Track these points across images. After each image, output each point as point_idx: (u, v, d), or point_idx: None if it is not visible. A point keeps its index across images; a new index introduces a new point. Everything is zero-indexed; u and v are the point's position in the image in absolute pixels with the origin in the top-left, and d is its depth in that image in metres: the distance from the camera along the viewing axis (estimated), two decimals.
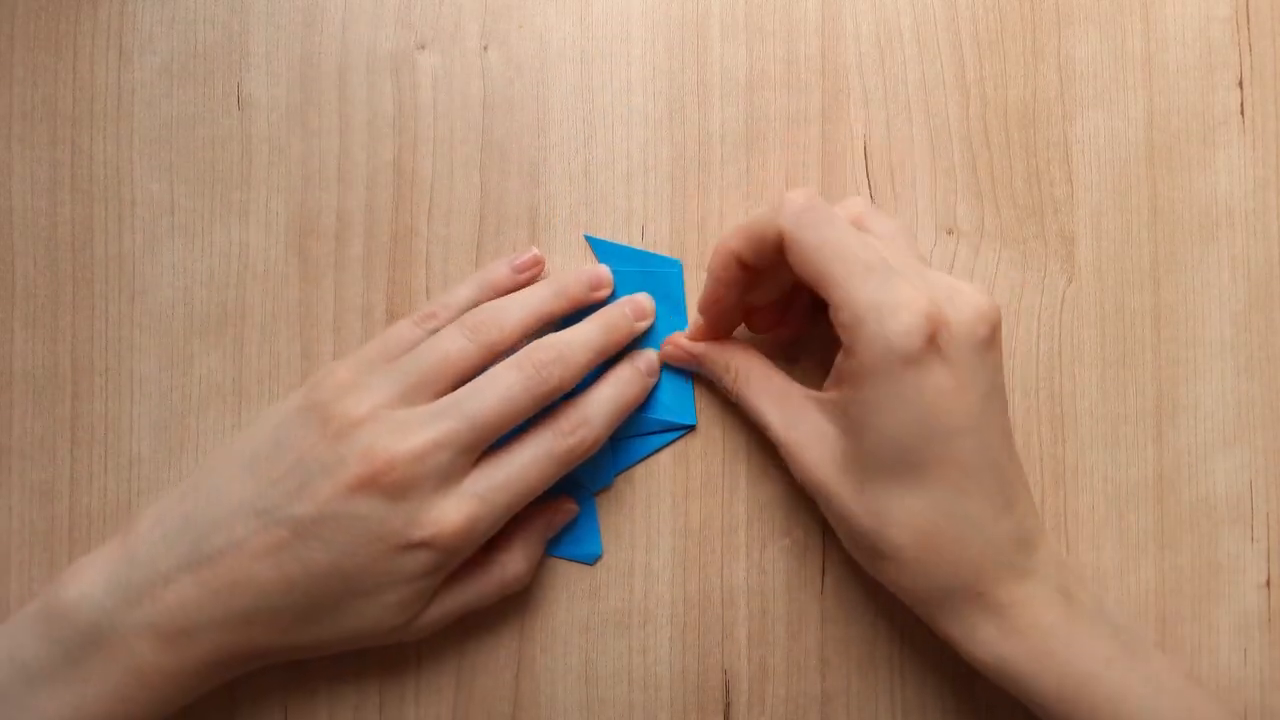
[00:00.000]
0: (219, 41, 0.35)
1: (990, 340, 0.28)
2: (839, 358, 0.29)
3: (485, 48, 0.35)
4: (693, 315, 0.34)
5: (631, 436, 0.34)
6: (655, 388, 0.34)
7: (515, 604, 0.34)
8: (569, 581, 0.34)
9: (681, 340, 0.33)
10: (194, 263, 0.35)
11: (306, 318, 0.34)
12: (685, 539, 0.34)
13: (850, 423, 0.28)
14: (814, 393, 0.31)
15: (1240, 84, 0.36)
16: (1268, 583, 0.35)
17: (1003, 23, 0.36)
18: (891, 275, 0.27)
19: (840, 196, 0.35)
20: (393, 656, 0.34)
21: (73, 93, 0.35)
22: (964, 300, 0.28)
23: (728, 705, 0.34)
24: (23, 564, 0.34)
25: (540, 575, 0.34)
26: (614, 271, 0.34)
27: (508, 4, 0.35)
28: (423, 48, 0.35)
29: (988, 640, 0.28)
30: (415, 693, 0.34)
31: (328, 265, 0.35)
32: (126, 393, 0.34)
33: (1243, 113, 0.36)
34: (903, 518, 0.28)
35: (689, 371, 0.34)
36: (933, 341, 0.27)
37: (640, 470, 0.34)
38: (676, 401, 0.34)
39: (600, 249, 0.35)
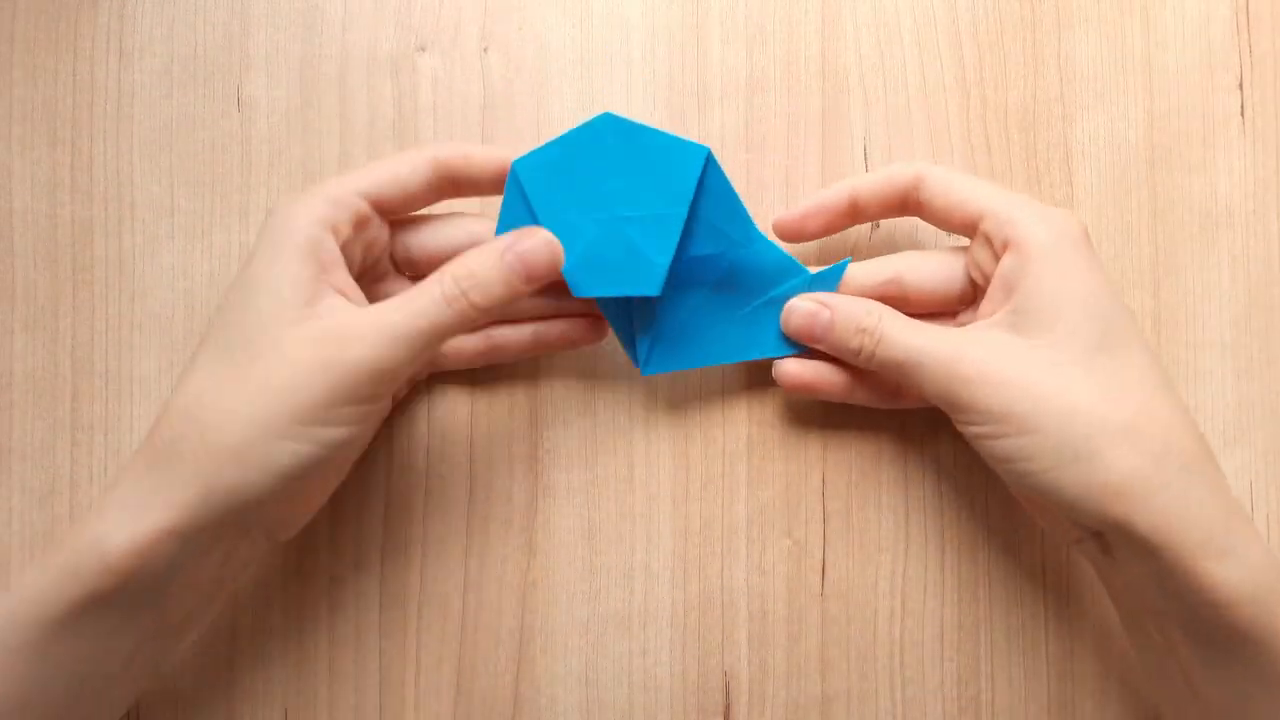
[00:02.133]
0: (219, 43, 0.35)
1: None
2: (1002, 267, 0.29)
3: (485, 50, 0.35)
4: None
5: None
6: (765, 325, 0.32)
7: (515, 605, 0.34)
8: (569, 582, 0.34)
9: (811, 295, 0.31)
10: (194, 264, 0.35)
11: None
12: (685, 540, 0.34)
13: (1036, 318, 0.27)
14: (971, 325, 0.30)
15: (1240, 85, 0.36)
16: None
17: (1003, 24, 0.36)
18: (1039, 205, 0.29)
19: None
20: (393, 657, 0.34)
21: (73, 95, 0.35)
22: (1068, 215, 0.30)
23: (728, 706, 0.34)
24: (23, 565, 0.34)
25: (540, 577, 0.34)
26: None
27: (507, 6, 0.35)
28: (423, 49, 0.35)
29: (1236, 547, 0.25)
30: (415, 693, 0.34)
31: None
32: (126, 394, 0.34)
33: (1243, 114, 0.36)
34: (1126, 390, 0.27)
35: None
36: (1087, 234, 0.29)
37: (640, 471, 0.35)
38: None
39: (617, 129, 0.30)
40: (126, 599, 0.26)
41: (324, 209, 0.28)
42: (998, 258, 0.29)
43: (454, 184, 0.30)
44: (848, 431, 0.35)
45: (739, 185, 0.35)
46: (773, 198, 0.35)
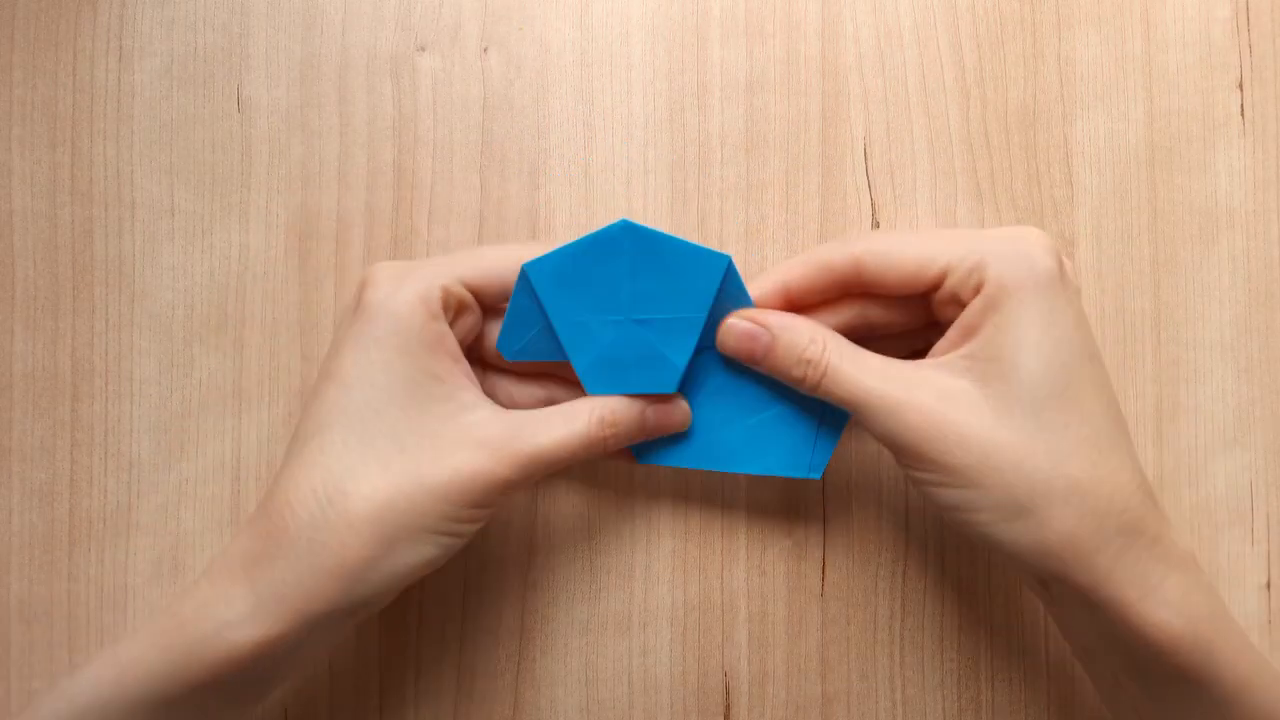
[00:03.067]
0: (219, 43, 0.35)
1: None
2: (968, 310, 0.27)
3: (485, 50, 0.35)
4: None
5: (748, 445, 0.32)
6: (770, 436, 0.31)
7: (515, 605, 0.34)
8: (569, 583, 0.34)
9: (750, 313, 0.30)
10: (194, 265, 0.35)
11: (306, 320, 0.34)
12: (685, 541, 0.34)
13: (994, 365, 0.26)
14: (923, 360, 0.28)
15: (1240, 86, 0.36)
16: (1268, 585, 0.35)
17: (1003, 24, 0.36)
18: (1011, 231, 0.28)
19: (840, 197, 0.35)
20: (393, 657, 0.34)
21: (73, 95, 0.35)
22: (1040, 236, 0.28)
23: (728, 707, 0.34)
24: (23, 565, 0.34)
25: (540, 577, 0.34)
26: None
27: (507, 6, 0.35)
28: (423, 50, 0.35)
29: (1173, 597, 0.25)
30: (415, 694, 0.34)
31: (328, 267, 0.35)
32: (126, 395, 0.34)
33: (1243, 114, 0.36)
34: (1073, 447, 0.26)
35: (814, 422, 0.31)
36: (1064, 271, 0.27)
37: (640, 471, 0.34)
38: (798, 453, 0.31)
39: (635, 236, 0.29)
40: (240, 680, 0.26)
41: (438, 297, 0.28)
42: (964, 305, 0.28)
43: None
44: (848, 431, 0.35)
45: (739, 185, 0.35)
46: (773, 198, 0.35)
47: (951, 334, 0.28)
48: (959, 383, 0.27)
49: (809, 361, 0.28)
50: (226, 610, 0.26)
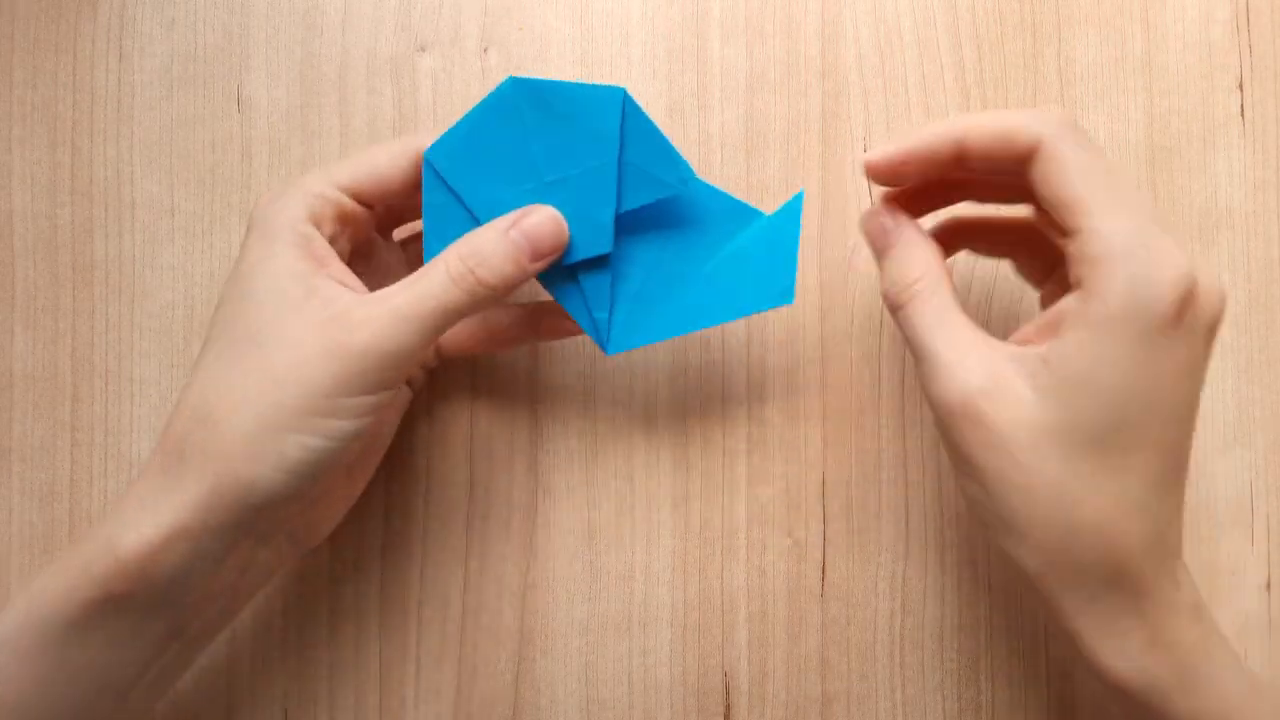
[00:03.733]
0: (219, 44, 0.35)
1: (1218, 327, 0.25)
2: (1063, 302, 0.25)
3: (485, 50, 0.35)
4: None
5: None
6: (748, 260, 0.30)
7: (515, 605, 0.34)
8: (569, 583, 0.34)
9: (892, 215, 0.28)
10: (194, 265, 0.35)
11: None
12: (685, 541, 0.34)
13: (1060, 382, 0.24)
14: (1004, 343, 0.26)
15: (1240, 86, 0.36)
16: (1268, 585, 0.35)
17: (1003, 24, 0.36)
18: (1156, 224, 0.24)
19: (840, 197, 0.35)
20: (393, 657, 0.34)
21: (73, 95, 0.35)
22: (1210, 280, 0.25)
23: (728, 707, 0.34)
24: (23, 566, 0.34)
25: (540, 577, 0.34)
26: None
27: (507, 6, 0.35)
28: (423, 50, 0.35)
29: (1132, 649, 0.25)
30: (415, 694, 0.34)
31: None
32: (126, 395, 0.34)
33: (1243, 115, 0.36)
34: (1093, 499, 0.24)
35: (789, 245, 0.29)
36: (1184, 313, 0.24)
37: (640, 471, 0.35)
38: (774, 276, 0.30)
39: (526, 90, 0.28)
40: (139, 602, 0.25)
41: (306, 205, 0.28)
42: (1069, 268, 0.25)
43: None
44: (848, 431, 0.35)
45: (739, 186, 0.35)
46: (773, 198, 0.35)
47: (1039, 322, 0.26)
48: (1019, 382, 0.25)
49: (899, 290, 0.27)
50: (112, 525, 0.25)
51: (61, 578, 0.25)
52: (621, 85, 0.28)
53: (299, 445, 0.26)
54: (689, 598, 0.34)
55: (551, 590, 0.34)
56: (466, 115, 0.28)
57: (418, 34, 0.35)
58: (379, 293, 0.27)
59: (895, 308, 0.27)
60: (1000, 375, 0.25)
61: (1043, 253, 0.30)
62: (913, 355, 0.27)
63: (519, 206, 0.28)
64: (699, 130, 0.35)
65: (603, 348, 0.30)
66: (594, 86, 0.28)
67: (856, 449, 0.35)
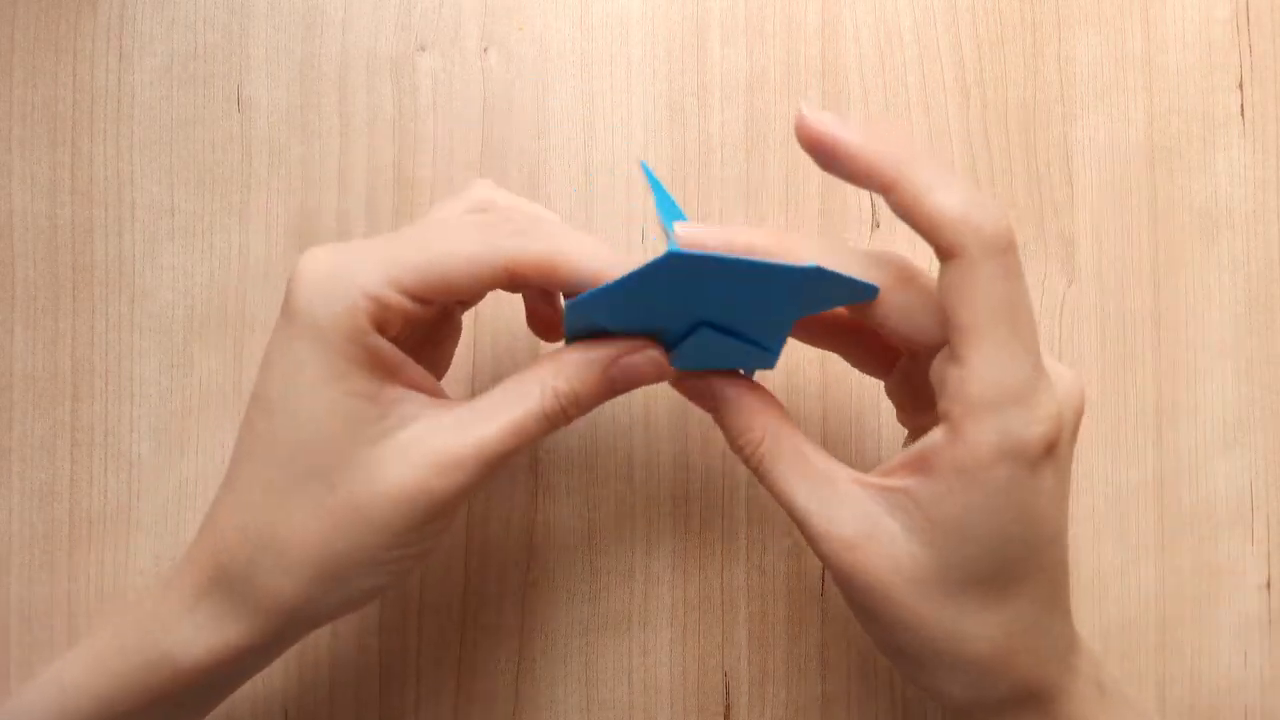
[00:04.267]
0: (219, 43, 0.35)
1: (1079, 423, 0.25)
2: (931, 438, 0.24)
3: (485, 50, 0.35)
4: None
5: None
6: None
7: (515, 604, 0.34)
8: (569, 583, 0.34)
9: (716, 383, 0.26)
10: (194, 265, 0.35)
11: None
12: (685, 541, 0.34)
13: (933, 526, 0.24)
14: (870, 478, 0.25)
15: (1240, 86, 0.36)
16: (1268, 584, 0.35)
17: (1003, 24, 0.36)
18: (1039, 365, 0.23)
19: (840, 197, 0.35)
20: (393, 657, 0.34)
21: (73, 95, 0.35)
22: (1069, 389, 0.24)
23: (728, 707, 0.34)
24: (23, 565, 0.34)
25: (540, 576, 0.34)
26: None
27: (507, 6, 0.35)
28: (423, 50, 0.35)
29: None
30: (415, 694, 0.34)
31: None
32: (126, 395, 0.34)
33: (1243, 114, 0.36)
34: (983, 632, 0.24)
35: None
36: (1052, 448, 0.23)
37: (640, 471, 0.35)
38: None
39: (693, 265, 0.23)
40: (185, 700, 0.26)
41: (368, 314, 0.24)
42: (938, 392, 0.24)
43: (527, 286, 0.26)
44: (848, 432, 0.35)
45: (739, 185, 0.35)
46: (773, 197, 0.35)
47: (912, 454, 0.24)
48: (891, 524, 0.24)
49: (743, 446, 0.26)
50: (172, 634, 0.25)
51: (107, 680, 0.25)
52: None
53: (383, 574, 0.25)
54: (689, 597, 0.34)
55: (551, 590, 0.34)
56: (617, 280, 0.23)
57: (418, 34, 0.35)
58: (465, 420, 0.25)
59: (751, 469, 0.26)
60: (871, 521, 0.24)
61: (876, 350, 0.29)
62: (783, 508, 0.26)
63: (678, 333, 0.25)
64: (699, 130, 0.35)
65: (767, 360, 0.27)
66: (777, 267, 0.23)
67: (857, 449, 0.35)
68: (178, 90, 0.35)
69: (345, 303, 0.24)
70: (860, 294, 0.24)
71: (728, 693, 0.34)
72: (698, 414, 0.35)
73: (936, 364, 0.24)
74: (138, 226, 0.35)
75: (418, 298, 0.24)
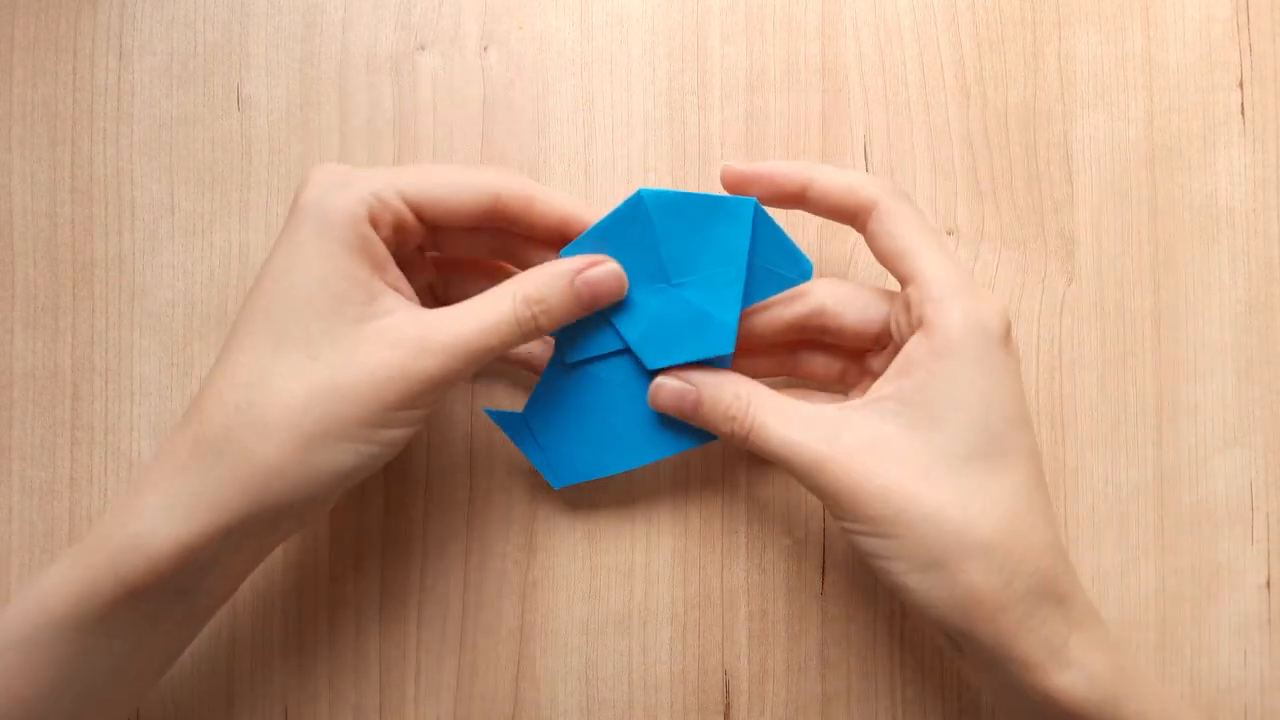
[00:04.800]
0: (219, 42, 0.35)
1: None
2: (907, 347, 0.28)
3: (485, 49, 0.35)
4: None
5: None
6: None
7: (515, 604, 0.34)
8: (569, 582, 0.34)
9: (678, 372, 0.30)
10: (194, 263, 0.35)
11: None
12: (685, 540, 0.34)
13: (924, 412, 0.27)
14: (853, 401, 0.29)
15: (1240, 84, 0.36)
16: (1268, 584, 0.35)
17: (1003, 23, 0.36)
18: (969, 275, 0.28)
19: None
20: (393, 656, 0.34)
21: (73, 94, 0.35)
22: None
23: (728, 706, 0.34)
24: (23, 564, 0.34)
25: (540, 575, 0.34)
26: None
27: (508, 5, 0.35)
28: (422, 49, 0.35)
29: (1076, 657, 0.26)
30: (415, 693, 0.34)
31: None
32: (127, 393, 0.34)
33: (1243, 113, 0.36)
34: (989, 506, 0.26)
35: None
36: (1008, 337, 0.28)
37: (640, 470, 0.34)
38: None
39: (657, 201, 0.29)
40: (163, 593, 0.26)
41: (367, 206, 0.27)
42: (912, 328, 0.28)
43: (507, 221, 0.29)
44: None
45: None
46: None
47: (890, 369, 0.28)
48: (886, 428, 0.27)
49: (734, 419, 0.29)
50: (143, 520, 0.25)
51: (81, 573, 0.25)
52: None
53: (353, 453, 0.26)
54: (689, 596, 0.34)
55: (552, 588, 0.34)
56: (597, 223, 0.29)
57: (417, 33, 0.35)
58: (445, 317, 0.27)
59: (743, 441, 0.29)
60: (869, 430, 0.27)
61: (830, 354, 0.33)
62: (778, 464, 0.28)
63: (649, 307, 0.30)
64: (699, 130, 0.35)
65: (709, 437, 0.31)
66: (726, 199, 0.29)
67: None
68: (178, 89, 0.35)
69: (348, 194, 0.27)
70: (796, 265, 0.30)
71: (728, 692, 0.34)
72: None
73: (894, 315, 0.30)
74: (138, 225, 0.35)
75: (414, 207, 0.28)
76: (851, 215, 0.30)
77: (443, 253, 0.32)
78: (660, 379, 0.30)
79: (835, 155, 0.35)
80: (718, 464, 0.35)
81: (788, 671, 0.34)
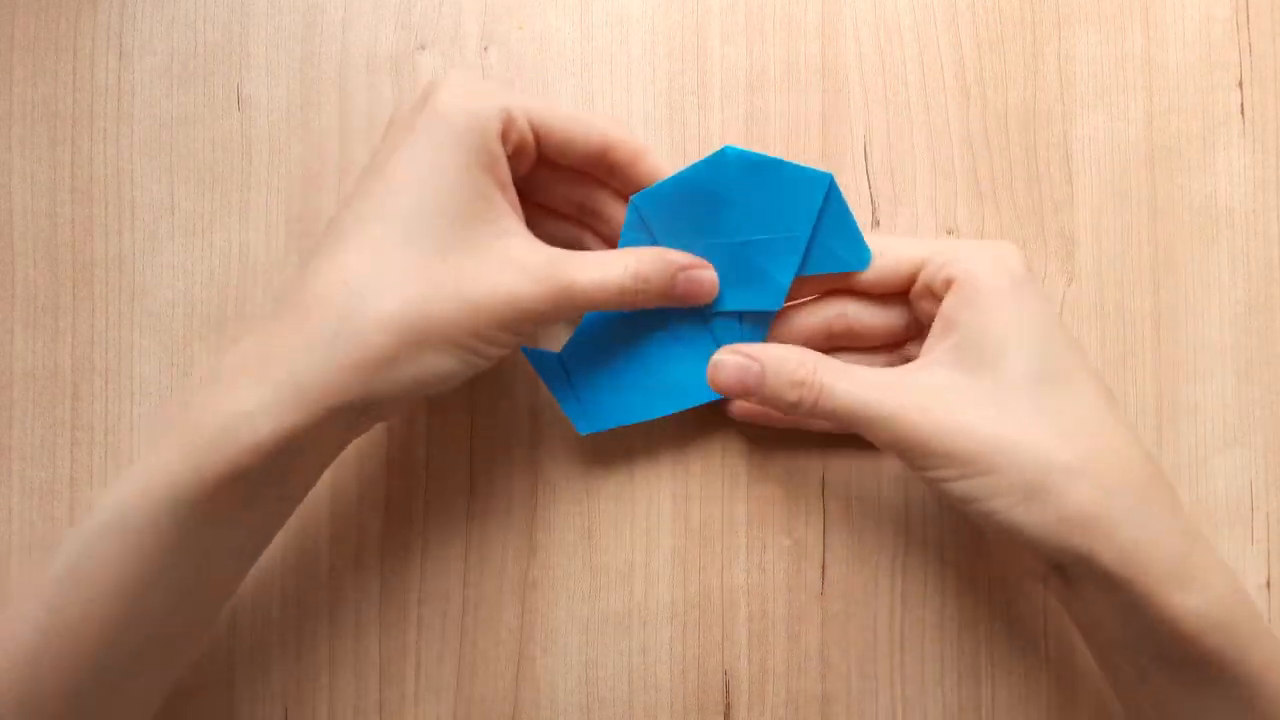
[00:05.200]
0: (219, 42, 0.35)
1: None
2: (943, 308, 0.29)
3: (485, 49, 0.35)
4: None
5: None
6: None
7: (515, 603, 0.34)
8: (569, 582, 0.34)
9: (737, 347, 0.30)
10: (194, 263, 0.35)
11: None
12: (685, 539, 0.34)
13: (980, 355, 0.27)
14: (910, 364, 0.29)
15: (1240, 84, 0.36)
16: (1268, 584, 0.35)
17: (1003, 23, 0.36)
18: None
19: None
20: (393, 655, 0.34)
21: (73, 94, 0.35)
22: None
23: (728, 706, 0.34)
24: (23, 564, 0.34)
25: (540, 575, 0.34)
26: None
27: (508, 5, 0.35)
28: (423, 49, 0.35)
29: (1197, 579, 0.25)
30: (415, 693, 0.34)
31: None
32: (126, 393, 0.34)
33: (1243, 113, 0.36)
34: (1074, 425, 0.26)
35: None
36: (1029, 271, 0.29)
37: (640, 470, 0.34)
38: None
39: (741, 161, 0.30)
40: (263, 477, 0.25)
41: (502, 122, 0.28)
42: (939, 300, 0.29)
43: (606, 169, 0.31)
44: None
45: None
46: None
47: (934, 333, 0.29)
48: (951, 377, 0.28)
49: (802, 383, 0.28)
50: (244, 404, 0.25)
51: (180, 455, 0.25)
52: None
53: (459, 359, 0.27)
54: (689, 596, 0.34)
55: (551, 588, 0.34)
56: (680, 173, 0.30)
57: (418, 33, 0.35)
58: (564, 257, 0.28)
59: (812, 405, 0.29)
60: (935, 384, 0.28)
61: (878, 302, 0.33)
62: (848, 426, 0.28)
63: (711, 255, 0.31)
64: (699, 129, 0.35)
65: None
66: (805, 168, 0.30)
67: (856, 448, 0.35)
68: (178, 89, 0.35)
69: (485, 106, 0.27)
70: (855, 251, 0.31)
71: (728, 692, 0.34)
72: (698, 413, 0.35)
73: (914, 301, 0.31)
74: (138, 225, 0.35)
75: (538, 132, 0.29)
76: (841, 275, 0.31)
77: (527, 196, 0.32)
78: (718, 356, 0.30)
79: (835, 155, 0.35)
80: (718, 464, 0.35)
81: (788, 671, 0.34)
